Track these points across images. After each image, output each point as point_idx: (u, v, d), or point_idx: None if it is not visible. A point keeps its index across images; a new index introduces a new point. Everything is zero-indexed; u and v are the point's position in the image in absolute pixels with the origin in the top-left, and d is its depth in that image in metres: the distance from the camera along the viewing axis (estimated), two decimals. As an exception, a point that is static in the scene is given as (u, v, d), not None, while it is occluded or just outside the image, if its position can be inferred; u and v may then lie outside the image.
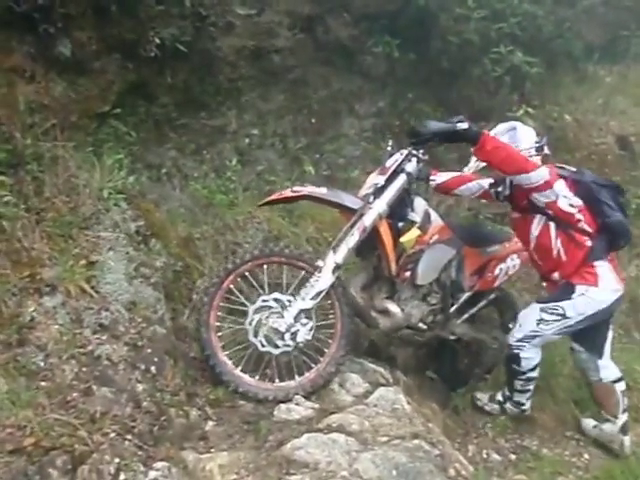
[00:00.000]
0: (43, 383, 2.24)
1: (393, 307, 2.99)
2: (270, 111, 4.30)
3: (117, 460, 2.05)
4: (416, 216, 2.93)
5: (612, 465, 3.07)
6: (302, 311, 2.72)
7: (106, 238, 2.79)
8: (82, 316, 2.49)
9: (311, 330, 2.74)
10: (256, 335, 2.74)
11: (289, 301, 2.74)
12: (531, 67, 4.68)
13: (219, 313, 2.79)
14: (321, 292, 2.71)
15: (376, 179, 2.87)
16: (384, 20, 4.68)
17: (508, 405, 3.29)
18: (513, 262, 3.39)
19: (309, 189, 2.83)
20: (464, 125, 2.73)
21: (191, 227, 3.47)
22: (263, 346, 2.74)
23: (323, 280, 2.71)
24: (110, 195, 2.93)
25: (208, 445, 2.36)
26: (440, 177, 3.34)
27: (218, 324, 2.78)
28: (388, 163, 2.90)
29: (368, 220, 2.76)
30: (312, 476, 2.10)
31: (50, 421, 2.07)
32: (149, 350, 2.57)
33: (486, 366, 3.53)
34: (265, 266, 2.85)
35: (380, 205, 2.80)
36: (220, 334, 2.78)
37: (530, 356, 3.10)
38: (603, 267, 2.96)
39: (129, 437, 2.20)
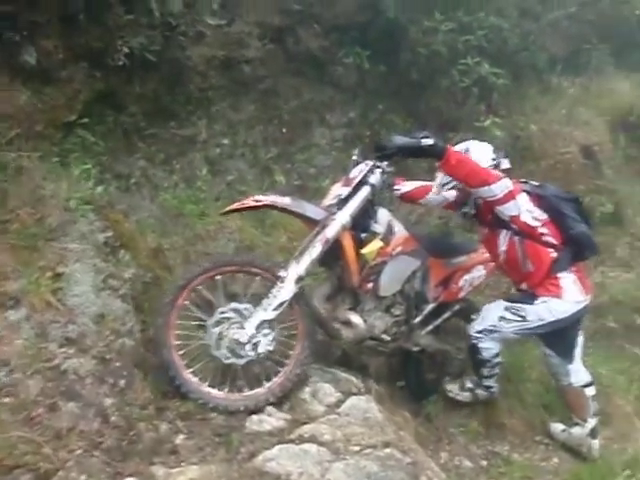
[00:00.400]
0: (6, 399, 2.17)
1: (355, 318, 2.97)
2: (241, 121, 4.29)
3: (84, 477, 2.02)
4: (379, 227, 2.92)
5: (580, 468, 3.13)
6: (264, 322, 2.69)
7: (73, 250, 2.73)
8: (47, 330, 2.42)
9: (272, 341, 2.72)
10: (219, 348, 2.70)
11: (246, 309, 2.72)
12: (497, 78, 4.79)
13: (177, 332, 2.72)
14: (283, 303, 2.69)
15: (340, 190, 2.86)
16: (354, 32, 4.74)
17: (479, 391, 3.35)
18: (479, 273, 3.41)
19: (272, 198, 2.79)
20: (429, 141, 2.75)
21: (161, 238, 3.43)
22: (227, 358, 2.70)
23: (286, 291, 2.68)
24: (77, 206, 2.88)
25: (179, 459, 2.32)
26: (405, 186, 3.39)
27: (178, 343, 2.71)
28: (352, 174, 2.89)
29: (331, 232, 2.74)
30: (284, 487, 2.09)
31: (13, 439, 2.01)
32: (118, 363, 2.52)
33: (453, 376, 3.54)
34: (219, 277, 2.79)
35: (343, 217, 2.78)
36: (182, 352, 2.71)
37: (489, 347, 3.15)
38: (567, 279, 3.03)
39: (96, 453, 2.16)
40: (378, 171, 2.89)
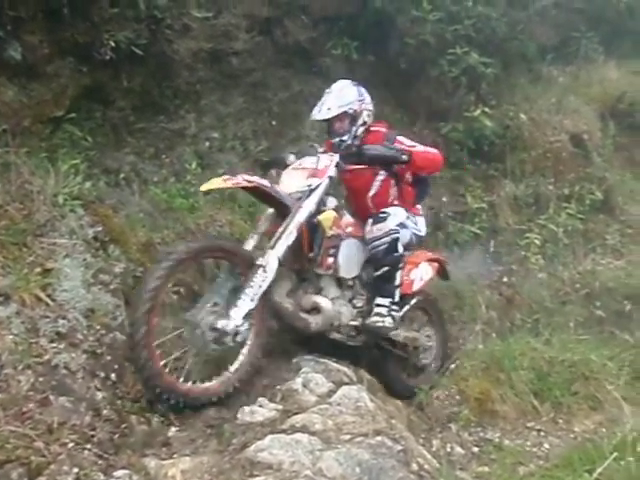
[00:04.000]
0: (-3, 395, 2.18)
1: (322, 300, 3.01)
2: (230, 114, 4.29)
3: (76, 470, 2.01)
4: (326, 208, 3.04)
5: (571, 453, 3.15)
6: (250, 311, 2.64)
7: (62, 245, 2.73)
8: (38, 325, 2.42)
9: (249, 329, 2.68)
10: (200, 339, 2.58)
11: (222, 298, 2.66)
12: (486, 67, 4.81)
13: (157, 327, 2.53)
14: (266, 291, 2.68)
15: (310, 181, 2.94)
16: (342, 22, 4.75)
17: (394, 313, 3.23)
18: (426, 270, 3.54)
19: (259, 180, 2.78)
20: (405, 157, 3.03)
21: (151, 232, 3.41)
22: (206, 347, 2.60)
23: (269, 279, 2.67)
24: (66, 201, 2.87)
25: (171, 451, 2.33)
26: None
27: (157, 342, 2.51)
28: (320, 166, 3.00)
29: (302, 217, 2.81)
30: (276, 477, 2.10)
31: (5, 434, 2.01)
32: (109, 357, 2.53)
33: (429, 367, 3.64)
34: (203, 260, 2.77)
35: (310, 204, 2.88)
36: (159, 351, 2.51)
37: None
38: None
39: (88, 446, 2.16)
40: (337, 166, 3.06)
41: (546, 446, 3.25)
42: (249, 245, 2.79)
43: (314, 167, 3.00)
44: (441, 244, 4.75)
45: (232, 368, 2.71)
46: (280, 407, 2.60)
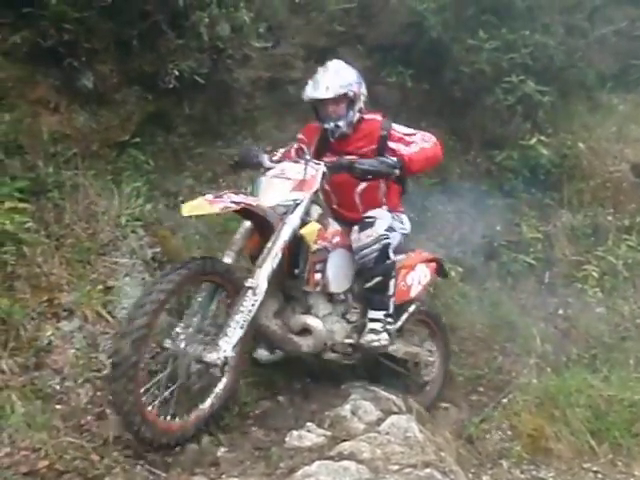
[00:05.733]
0: (58, 406, 2.27)
1: (313, 320, 2.78)
2: (285, 140, 4.38)
3: (129, 484, 2.07)
4: (310, 218, 2.72)
5: (631, 498, 3.00)
6: (240, 340, 2.39)
7: (123, 264, 2.86)
8: (98, 340, 2.54)
9: (234, 357, 2.42)
10: (185, 373, 2.35)
11: (207, 324, 2.43)
12: (543, 96, 4.74)
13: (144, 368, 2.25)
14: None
15: (295, 195, 2.62)
16: (397, 51, 4.80)
17: (390, 327, 2.97)
18: (423, 272, 3.27)
19: (246, 200, 2.46)
20: (397, 171, 2.73)
21: (206, 253, 3.51)
22: (194, 383, 2.40)
23: (259, 302, 2.42)
24: (128, 222, 3.01)
25: (219, 471, 2.35)
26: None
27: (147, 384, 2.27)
28: (307, 177, 2.66)
29: (286, 236, 2.52)
30: (323, 504, 2.09)
31: (64, 444, 2.10)
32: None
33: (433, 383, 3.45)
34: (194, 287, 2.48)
35: (295, 220, 2.57)
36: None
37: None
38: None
39: (141, 462, 2.22)
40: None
41: (604, 489, 3.10)
42: None
43: (300, 178, 2.65)
44: (494, 274, 4.65)
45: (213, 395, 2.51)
46: (328, 433, 2.59)
